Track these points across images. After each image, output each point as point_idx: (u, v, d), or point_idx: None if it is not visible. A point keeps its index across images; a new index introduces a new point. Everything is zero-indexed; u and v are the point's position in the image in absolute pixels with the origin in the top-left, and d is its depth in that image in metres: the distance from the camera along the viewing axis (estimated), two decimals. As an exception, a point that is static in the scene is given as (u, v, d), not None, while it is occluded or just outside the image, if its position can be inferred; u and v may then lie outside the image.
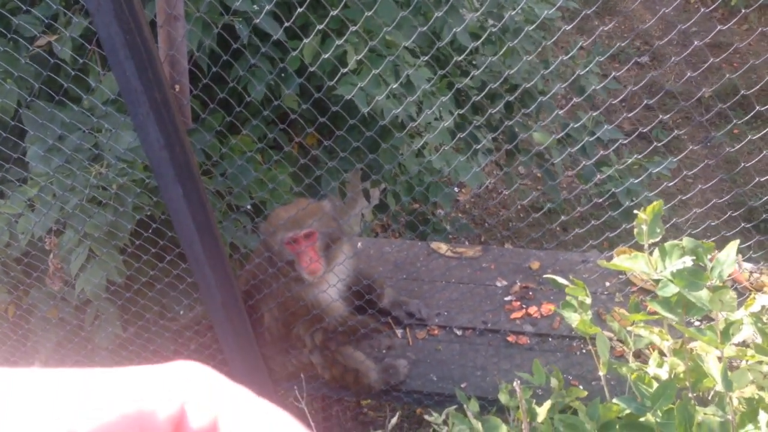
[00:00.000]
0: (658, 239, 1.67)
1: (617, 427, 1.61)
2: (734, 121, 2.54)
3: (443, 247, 3.31)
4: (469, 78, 3.93)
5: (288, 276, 2.58)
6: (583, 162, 4.07)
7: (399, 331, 2.98)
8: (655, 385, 1.81)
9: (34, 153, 2.82)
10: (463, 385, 2.79)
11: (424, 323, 2.99)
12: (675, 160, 3.90)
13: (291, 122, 3.93)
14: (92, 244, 2.89)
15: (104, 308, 3.30)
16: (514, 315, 3.00)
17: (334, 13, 2.22)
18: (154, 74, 1.94)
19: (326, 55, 2.43)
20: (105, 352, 3.51)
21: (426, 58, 2.67)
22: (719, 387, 1.66)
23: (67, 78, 2.97)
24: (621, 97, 3.91)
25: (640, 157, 4.01)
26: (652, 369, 1.86)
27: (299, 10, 2.16)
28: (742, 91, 2.30)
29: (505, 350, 2.90)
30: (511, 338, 2.93)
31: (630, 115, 3.51)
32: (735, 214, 2.83)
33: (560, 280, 1.96)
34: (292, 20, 2.30)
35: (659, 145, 4.50)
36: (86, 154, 2.85)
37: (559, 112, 3.62)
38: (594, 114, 3.92)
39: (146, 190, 2.93)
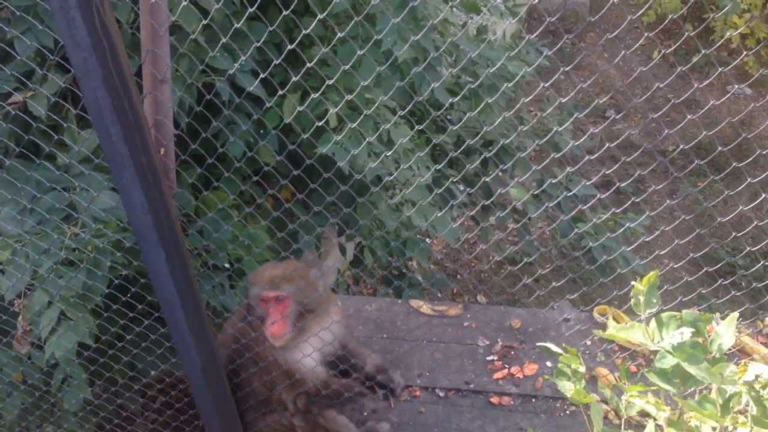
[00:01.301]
0: (655, 309, 1.66)
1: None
2: (711, 177, 2.58)
3: (424, 306, 3.28)
4: (446, 134, 3.96)
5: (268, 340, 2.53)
6: (560, 218, 4.12)
7: (381, 393, 2.92)
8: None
9: (6, 214, 2.74)
10: (446, 449, 2.74)
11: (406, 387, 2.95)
12: (648, 215, 3.96)
13: (267, 177, 3.91)
14: (64, 307, 2.80)
15: (74, 372, 3.19)
16: (496, 375, 2.97)
17: (309, 64, 2.21)
18: (141, 139, 1.91)
19: (302, 108, 2.42)
20: (73, 417, 3.39)
21: (403, 113, 2.67)
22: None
23: (41, 136, 2.92)
24: (596, 155, 3.99)
25: (616, 212, 4.08)
26: (648, 438, 1.84)
27: (275, 62, 2.14)
28: (720, 148, 2.33)
29: (488, 412, 2.86)
30: (494, 399, 2.89)
31: (608, 171, 3.58)
32: (711, 269, 2.85)
33: (553, 348, 1.94)
34: (267, 72, 2.28)
35: (635, 200, 4.57)
36: (60, 214, 2.78)
37: (536, 168, 3.66)
38: (569, 170, 3.97)
39: (122, 251, 2.86)
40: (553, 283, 3.05)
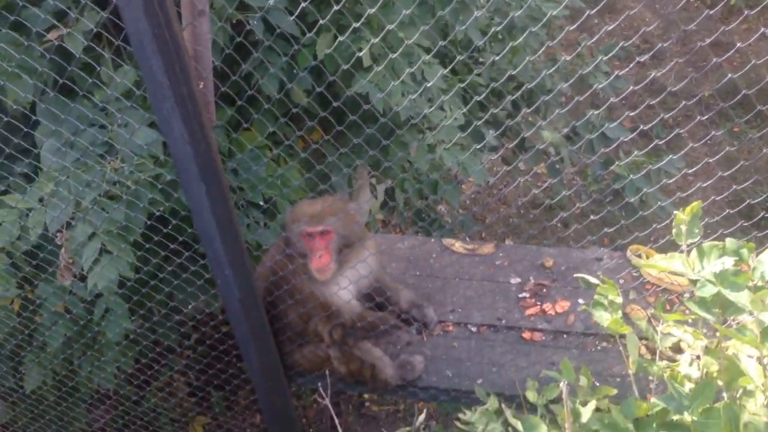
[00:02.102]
0: (697, 239, 1.67)
1: (653, 426, 1.61)
2: (735, 120, 2.53)
3: (456, 244, 3.30)
4: (476, 74, 3.93)
5: (307, 273, 2.57)
6: (591, 159, 4.09)
7: (414, 327, 2.97)
8: (687, 384, 1.82)
9: (49, 146, 2.79)
10: (479, 381, 2.79)
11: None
12: (678, 156, 3.92)
13: (297, 119, 3.92)
14: (106, 239, 2.86)
15: (115, 304, 3.29)
16: (528, 312, 3.00)
17: (337, 7, 2.18)
18: (181, 69, 1.92)
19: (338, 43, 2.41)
20: (117, 347, 3.50)
21: (435, 50, 2.64)
22: (752, 386, 1.67)
23: (78, 75, 2.95)
24: (623, 94, 3.93)
25: (640, 154, 4.03)
26: (684, 368, 1.86)
27: (305, 3, 2.13)
28: (744, 91, 2.29)
29: (520, 347, 2.90)
30: (526, 335, 2.93)
31: (632, 113, 3.52)
32: (733, 211, 2.82)
33: (591, 279, 1.96)
34: (298, 12, 2.27)
35: (660, 143, 4.51)
36: (101, 148, 2.83)
37: (564, 110, 3.61)
38: (600, 111, 3.92)
39: (162, 185, 2.91)
40: (576, 225, 3.05)
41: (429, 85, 3.05)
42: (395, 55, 3.07)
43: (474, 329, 2.99)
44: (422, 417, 1.97)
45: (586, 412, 1.63)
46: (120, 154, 2.84)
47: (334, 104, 2.56)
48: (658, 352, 2.07)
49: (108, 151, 2.85)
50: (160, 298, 3.28)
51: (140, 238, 2.97)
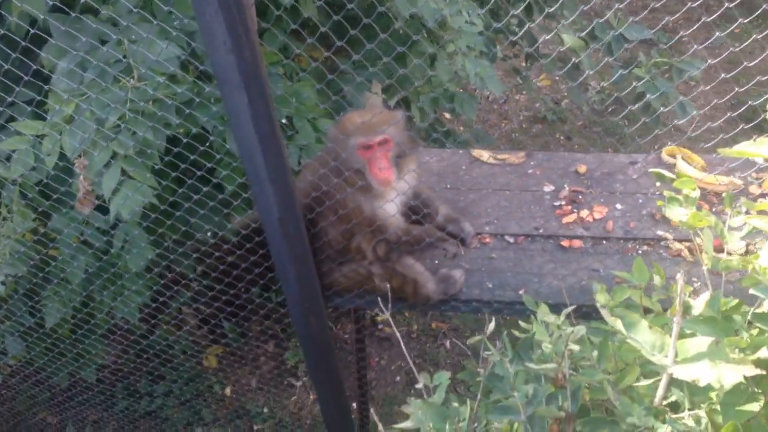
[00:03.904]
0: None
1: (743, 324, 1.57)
2: (739, 20, 2.43)
3: (485, 155, 3.21)
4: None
5: (354, 186, 2.48)
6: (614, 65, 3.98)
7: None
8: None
9: (62, 69, 2.62)
10: (521, 292, 2.75)
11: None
12: (698, 58, 3.83)
13: (309, 30, 3.75)
14: (126, 164, 2.73)
15: (137, 235, 3.18)
16: (565, 220, 2.95)
17: None
18: (227, -34, 1.77)
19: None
20: (141, 280, 3.41)
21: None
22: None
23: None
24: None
25: (657, 56, 3.93)
26: (764, 260, 1.82)
27: None
28: None
29: (560, 255, 2.85)
30: (565, 243, 2.88)
31: (637, 18, 3.40)
32: (734, 114, 2.76)
33: (665, 173, 1.89)
34: None
35: (664, 47, 4.40)
36: (117, 67, 2.66)
37: (584, 8, 3.47)
38: (619, 6, 3.79)
39: (178, 105, 2.77)
40: (584, 136, 2.96)
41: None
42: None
43: (511, 240, 2.93)
44: (492, 325, 1.91)
45: (699, 305, 1.58)
46: (135, 72, 2.68)
47: (349, 6, 2.40)
48: (725, 248, 2.02)
49: (124, 70, 2.69)
50: (176, 224, 3.17)
51: (159, 162, 2.84)
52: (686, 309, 1.55)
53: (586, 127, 6.24)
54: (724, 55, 2.46)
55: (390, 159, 2.47)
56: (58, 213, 3.13)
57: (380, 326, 5.35)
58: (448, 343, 5.18)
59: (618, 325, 1.50)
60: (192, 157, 2.80)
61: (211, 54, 1.97)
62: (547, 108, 6.37)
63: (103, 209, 3.12)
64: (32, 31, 2.54)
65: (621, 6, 3.52)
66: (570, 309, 1.74)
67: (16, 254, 3.08)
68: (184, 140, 2.73)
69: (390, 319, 2.07)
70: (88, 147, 2.71)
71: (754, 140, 1.64)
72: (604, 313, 1.58)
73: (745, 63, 2.54)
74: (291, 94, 3.24)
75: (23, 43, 2.44)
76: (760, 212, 1.84)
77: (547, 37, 3.92)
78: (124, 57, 2.67)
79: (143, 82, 2.65)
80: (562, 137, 6.16)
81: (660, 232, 2.84)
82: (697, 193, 1.86)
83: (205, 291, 3.95)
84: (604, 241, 2.88)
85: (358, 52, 3.44)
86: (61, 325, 3.62)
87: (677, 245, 2.81)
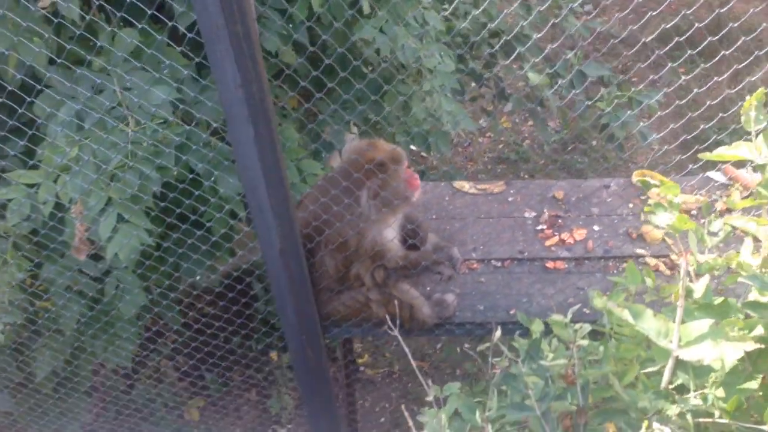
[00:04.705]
0: (763, 125, 1.76)
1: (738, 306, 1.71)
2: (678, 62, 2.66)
3: (466, 185, 3.36)
4: (457, 23, 3.98)
5: (353, 214, 2.59)
6: (575, 100, 4.20)
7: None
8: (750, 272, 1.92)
9: (58, 117, 2.69)
10: (511, 312, 2.87)
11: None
12: (656, 91, 4.10)
13: (289, 79, 3.89)
14: (122, 207, 2.79)
15: (123, 277, 3.22)
16: (548, 242, 3.09)
17: None
18: (239, 6, 1.89)
19: None
20: (132, 327, 3.42)
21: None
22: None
23: (74, 42, 2.86)
24: (589, 38, 4.09)
25: (617, 92, 4.18)
26: (744, 257, 1.97)
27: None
28: (676, 38, 2.44)
29: (546, 276, 2.99)
30: (549, 264, 3.02)
31: (584, 62, 3.65)
32: (689, 137, 2.97)
33: (651, 180, 2.04)
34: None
35: (606, 91, 4.67)
36: (114, 114, 2.75)
37: (541, 57, 3.70)
38: (577, 50, 4.06)
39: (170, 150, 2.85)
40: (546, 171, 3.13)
41: (429, 27, 3.10)
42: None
43: (498, 264, 3.06)
44: (498, 332, 2.02)
45: (700, 288, 1.72)
46: (131, 119, 2.77)
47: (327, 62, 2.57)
48: (707, 250, 2.17)
49: (119, 117, 2.77)
50: (165, 270, 3.21)
51: (153, 207, 2.92)
52: (688, 293, 1.69)
53: (548, 165, 6.48)
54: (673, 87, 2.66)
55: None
56: (51, 262, 3.15)
57: (362, 369, 5.38)
58: (430, 381, 5.22)
59: (626, 315, 1.62)
60: (188, 202, 2.88)
61: (221, 90, 2.08)
62: (510, 149, 6.61)
63: (95, 256, 3.16)
64: (26, 80, 2.64)
65: (577, 51, 3.78)
66: (576, 308, 1.87)
67: (16, 301, 3.09)
68: (179, 185, 2.82)
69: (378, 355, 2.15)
70: (84, 194, 2.77)
71: (731, 145, 1.81)
72: (611, 306, 1.70)
73: (695, 89, 2.76)
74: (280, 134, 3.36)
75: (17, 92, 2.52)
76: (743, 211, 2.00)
77: (509, 81, 4.16)
78: (119, 105, 2.76)
79: (139, 127, 2.73)
80: (526, 176, 6.39)
81: (637, 250, 3.00)
82: (680, 199, 2.02)
83: (188, 342, 3.96)
84: (586, 261, 3.02)
85: (336, 98, 3.60)
86: (51, 378, 3.59)
87: (654, 261, 2.97)
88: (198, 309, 4.58)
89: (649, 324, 1.62)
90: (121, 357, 3.48)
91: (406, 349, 2.16)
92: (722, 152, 1.83)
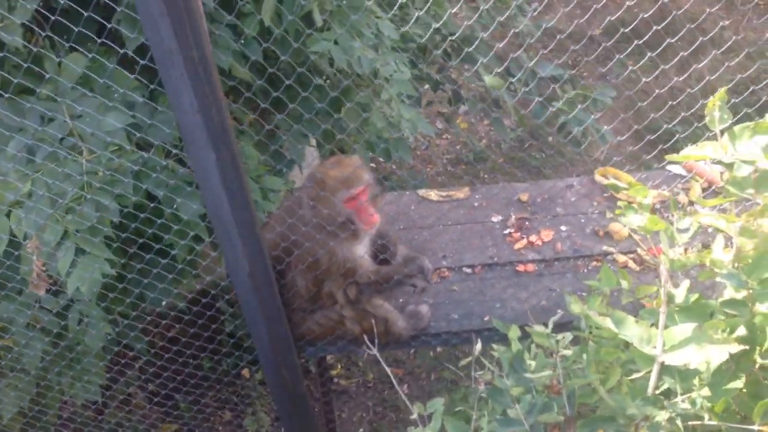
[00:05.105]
0: (727, 124, 1.77)
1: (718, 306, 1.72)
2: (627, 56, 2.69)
3: (432, 194, 3.34)
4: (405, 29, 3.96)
5: (336, 238, 2.55)
6: (530, 99, 4.21)
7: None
8: (724, 269, 1.93)
9: (10, 154, 2.59)
10: (485, 318, 2.86)
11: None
12: (609, 87, 4.14)
13: (238, 94, 3.82)
14: (79, 239, 2.70)
15: (87, 311, 3.12)
16: (517, 246, 3.09)
17: None
18: (193, 30, 1.84)
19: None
20: (101, 362, 3.32)
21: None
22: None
23: (14, 69, 2.76)
24: (537, 35, 4.12)
25: (573, 91, 4.21)
26: (716, 254, 1.98)
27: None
28: (621, 29, 2.47)
29: (517, 280, 2.98)
30: (520, 268, 3.02)
31: (533, 60, 3.65)
32: (639, 126, 3.00)
33: (619, 183, 2.04)
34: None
35: (556, 86, 4.70)
36: (65, 144, 2.65)
37: (489, 56, 3.70)
38: (525, 47, 4.06)
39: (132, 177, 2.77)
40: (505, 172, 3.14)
41: (386, 36, 3.07)
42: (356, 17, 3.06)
43: (469, 271, 3.04)
44: (479, 346, 1.99)
45: (681, 293, 1.71)
46: (85, 149, 2.68)
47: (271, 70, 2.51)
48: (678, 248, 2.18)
49: (71, 147, 2.68)
50: (128, 297, 3.13)
51: (113, 236, 2.83)
52: (670, 299, 1.68)
53: (507, 162, 6.51)
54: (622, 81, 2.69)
55: (371, 202, 2.58)
56: (9, 300, 3.03)
57: (336, 380, 5.32)
58: (405, 387, 5.20)
59: (608, 323, 1.61)
60: (150, 231, 2.80)
61: (178, 116, 2.02)
62: (467, 149, 6.62)
63: (55, 291, 3.05)
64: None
65: (526, 48, 3.79)
66: (558, 317, 1.85)
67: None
68: (140, 214, 2.74)
69: (367, 361, 2.12)
70: (39, 229, 2.67)
71: (697, 145, 1.81)
72: (591, 315, 1.68)
73: (641, 96, 2.78)
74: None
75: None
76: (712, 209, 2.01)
77: (467, 79, 4.15)
78: (70, 134, 2.67)
79: (93, 156, 2.65)
80: (486, 176, 6.41)
81: (605, 247, 3.02)
82: (650, 200, 2.02)
83: (156, 362, 3.87)
84: (556, 262, 3.03)
85: (293, 112, 3.54)
86: (18, 419, 3.46)
87: (622, 257, 2.99)
88: (163, 328, 4.47)
89: (632, 331, 1.61)
90: (90, 392, 3.37)
91: (383, 362, 2.13)
92: (688, 152, 1.84)
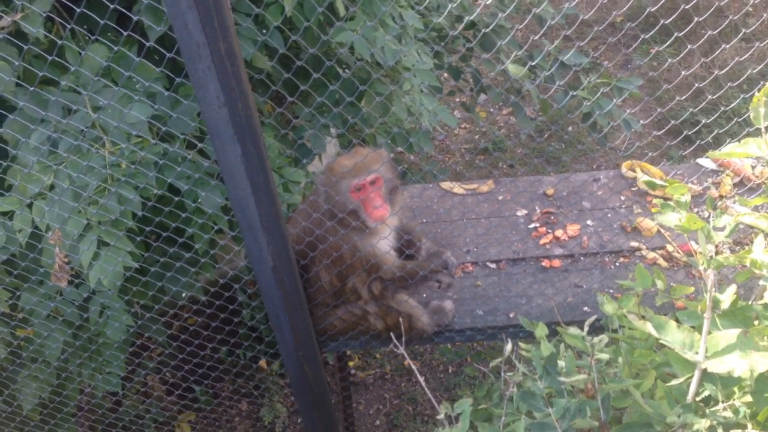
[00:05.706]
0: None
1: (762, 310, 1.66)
2: (651, 43, 2.61)
3: (455, 186, 3.29)
4: (442, 17, 3.90)
5: (347, 227, 2.50)
6: (555, 90, 4.15)
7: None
8: (765, 270, 1.87)
9: (33, 148, 2.56)
10: (511, 315, 2.81)
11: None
12: (635, 76, 4.06)
13: (262, 84, 3.77)
14: (101, 231, 2.67)
15: (109, 303, 3.10)
16: (542, 241, 3.03)
17: None
18: (220, 23, 1.79)
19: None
20: (122, 355, 3.31)
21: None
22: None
23: (37, 60, 2.73)
24: (556, 19, 4.03)
25: (595, 79, 4.13)
26: (756, 255, 1.92)
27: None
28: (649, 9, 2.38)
29: (541, 275, 2.93)
30: (545, 263, 2.97)
31: (552, 45, 3.59)
32: (659, 133, 2.94)
33: (657, 181, 1.99)
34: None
35: (578, 69, 4.62)
36: (88, 136, 2.62)
37: (522, 51, 3.64)
38: (557, 42, 3.99)
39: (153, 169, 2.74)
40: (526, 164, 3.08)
41: (407, 25, 3.01)
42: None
43: (493, 266, 3.00)
44: (509, 347, 1.95)
45: (726, 298, 1.66)
46: (108, 141, 2.65)
47: (298, 64, 2.46)
48: (716, 246, 2.12)
49: (94, 139, 2.65)
50: (148, 289, 3.11)
51: (135, 228, 2.80)
52: (715, 304, 1.63)
53: (527, 154, 6.44)
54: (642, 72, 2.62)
55: (383, 196, 2.52)
56: (31, 292, 3.02)
57: (353, 372, 5.30)
58: (423, 380, 5.17)
59: (648, 328, 1.56)
60: (174, 225, 2.77)
61: (204, 109, 1.98)
62: (486, 138, 6.55)
63: (76, 283, 3.03)
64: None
65: (548, 36, 3.70)
66: (592, 319, 1.80)
67: (-1, 335, 2.97)
68: (164, 208, 2.71)
69: (389, 356, 2.08)
70: (62, 221, 2.65)
71: (740, 141, 1.75)
72: (631, 318, 1.64)
73: (664, 85, 2.72)
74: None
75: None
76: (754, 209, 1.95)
77: (492, 73, 4.09)
78: (93, 126, 2.64)
79: (116, 148, 2.62)
80: (505, 166, 6.34)
81: (633, 243, 2.96)
82: (688, 197, 1.96)
83: (175, 354, 3.86)
84: (582, 258, 2.97)
85: (312, 102, 3.50)
86: (38, 410, 3.47)
87: (651, 254, 2.93)
88: (183, 320, 4.46)
89: (674, 336, 1.56)
90: (111, 384, 3.36)
91: (408, 359, 2.10)
92: (731, 150, 1.78)
